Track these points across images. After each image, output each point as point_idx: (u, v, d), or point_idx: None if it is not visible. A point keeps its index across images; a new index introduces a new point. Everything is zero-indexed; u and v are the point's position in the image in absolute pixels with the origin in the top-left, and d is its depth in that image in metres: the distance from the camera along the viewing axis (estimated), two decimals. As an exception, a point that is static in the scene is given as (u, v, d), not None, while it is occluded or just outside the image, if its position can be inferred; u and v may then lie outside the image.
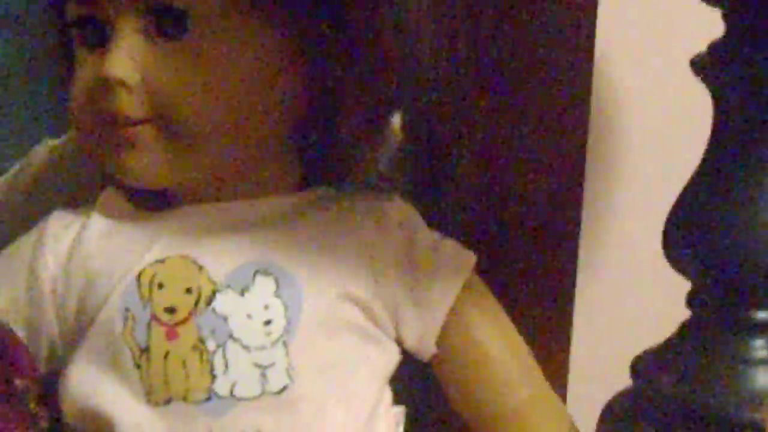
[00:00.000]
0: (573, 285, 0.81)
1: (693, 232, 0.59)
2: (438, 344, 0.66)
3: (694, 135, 0.62)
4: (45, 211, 0.70)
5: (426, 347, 0.66)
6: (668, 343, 0.62)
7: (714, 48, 0.58)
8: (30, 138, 0.84)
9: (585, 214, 0.80)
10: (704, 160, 0.60)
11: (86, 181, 0.75)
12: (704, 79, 0.59)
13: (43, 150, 0.81)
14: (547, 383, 0.68)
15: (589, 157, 0.79)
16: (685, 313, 0.63)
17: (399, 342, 0.66)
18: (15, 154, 0.84)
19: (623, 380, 0.66)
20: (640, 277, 0.82)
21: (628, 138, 0.82)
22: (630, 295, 0.83)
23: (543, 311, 0.77)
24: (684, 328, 0.62)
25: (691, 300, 0.61)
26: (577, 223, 0.80)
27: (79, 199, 0.70)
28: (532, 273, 0.80)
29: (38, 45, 0.82)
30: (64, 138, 0.81)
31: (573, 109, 0.78)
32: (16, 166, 0.83)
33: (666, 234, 0.61)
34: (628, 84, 0.82)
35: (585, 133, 0.78)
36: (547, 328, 0.76)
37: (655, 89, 0.82)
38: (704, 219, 0.59)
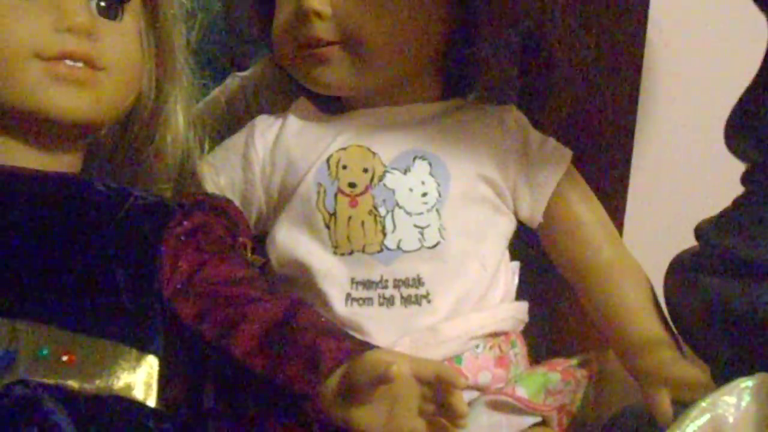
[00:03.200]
0: (629, 168, 0.77)
1: (752, 124, 0.57)
2: (544, 216, 0.65)
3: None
4: (236, 125, 0.70)
5: (535, 217, 0.65)
6: (725, 213, 0.61)
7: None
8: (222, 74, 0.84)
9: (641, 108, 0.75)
10: (761, 69, 0.58)
11: (264, 101, 0.75)
12: (760, 6, 0.56)
13: (233, 81, 0.81)
14: (626, 247, 0.66)
15: (646, 52, 0.74)
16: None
17: (516, 213, 0.65)
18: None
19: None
20: (691, 162, 0.78)
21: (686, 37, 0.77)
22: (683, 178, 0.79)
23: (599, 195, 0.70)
24: (740, 200, 0.60)
25: (746, 178, 0.59)
26: (633, 121, 0.75)
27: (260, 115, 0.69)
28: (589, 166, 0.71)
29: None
30: (248, 71, 0.80)
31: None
32: (213, 93, 0.82)
33: (729, 126, 0.59)
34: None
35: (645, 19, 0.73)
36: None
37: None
38: (761, 115, 0.57)
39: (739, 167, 0.60)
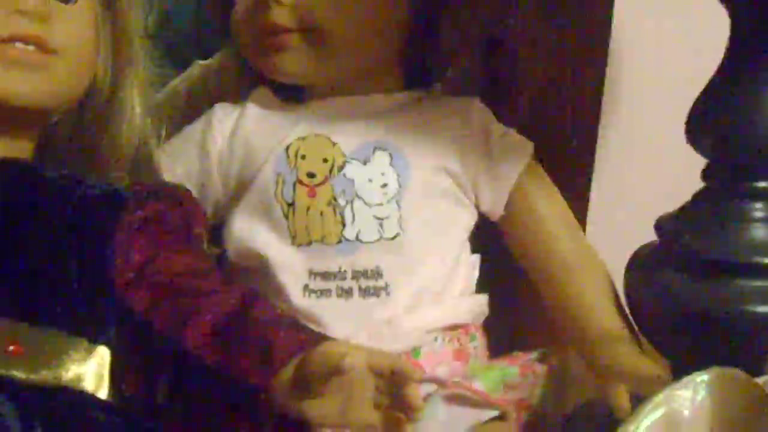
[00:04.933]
0: (592, 162, 0.76)
1: (713, 120, 0.57)
2: (505, 208, 0.65)
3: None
4: (197, 114, 0.69)
5: (496, 210, 0.65)
6: (686, 207, 0.61)
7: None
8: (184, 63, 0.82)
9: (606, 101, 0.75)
10: (722, 65, 0.58)
11: (226, 90, 0.74)
12: (723, 2, 0.56)
13: (194, 69, 0.79)
14: (587, 241, 0.66)
15: (611, 47, 0.74)
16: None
17: (477, 206, 0.65)
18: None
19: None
20: (654, 156, 0.78)
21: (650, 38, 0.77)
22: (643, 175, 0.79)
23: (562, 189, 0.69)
24: (699, 195, 0.60)
25: (707, 173, 0.59)
26: (597, 115, 0.75)
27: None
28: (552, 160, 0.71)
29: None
30: (210, 60, 0.79)
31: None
32: (174, 82, 0.81)
33: (690, 121, 0.59)
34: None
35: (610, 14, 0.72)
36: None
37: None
38: (721, 111, 0.57)
39: (701, 162, 0.60)
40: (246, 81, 0.71)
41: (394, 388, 0.48)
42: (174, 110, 0.77)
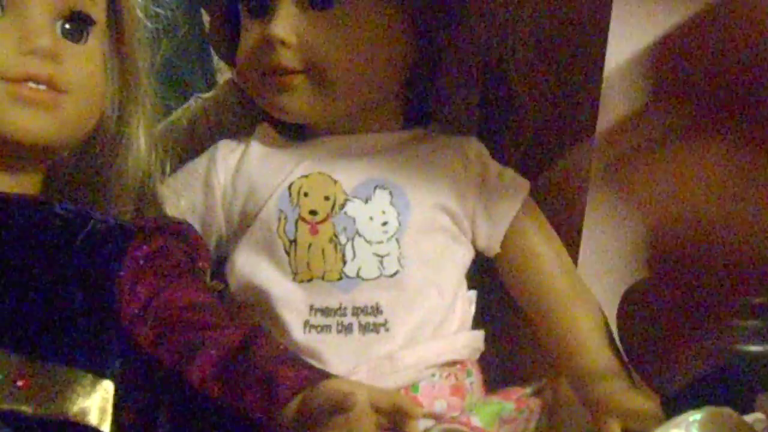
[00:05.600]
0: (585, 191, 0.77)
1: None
2: (501, 245, 0.66)
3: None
4: (198, 147, 0.70)
5: (492, 247, 0.66)
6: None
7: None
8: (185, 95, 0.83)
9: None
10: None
11: (227, 124, 0.75)
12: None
13: (195, 103, 0.80)
14: (580, 278, 0.68)
15: (604, 86, 0.74)
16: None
17: (473, 242, 0.66)
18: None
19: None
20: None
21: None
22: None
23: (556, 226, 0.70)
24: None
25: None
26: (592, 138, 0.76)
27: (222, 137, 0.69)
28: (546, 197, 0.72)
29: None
30: (210, 94, 0.80)
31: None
32: (175, 114, 0.82)
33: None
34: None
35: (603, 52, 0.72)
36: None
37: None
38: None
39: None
40: (246, 114, 0.72)
41: (395, 424, 0.49)
42: (175, 143, 0.78)
